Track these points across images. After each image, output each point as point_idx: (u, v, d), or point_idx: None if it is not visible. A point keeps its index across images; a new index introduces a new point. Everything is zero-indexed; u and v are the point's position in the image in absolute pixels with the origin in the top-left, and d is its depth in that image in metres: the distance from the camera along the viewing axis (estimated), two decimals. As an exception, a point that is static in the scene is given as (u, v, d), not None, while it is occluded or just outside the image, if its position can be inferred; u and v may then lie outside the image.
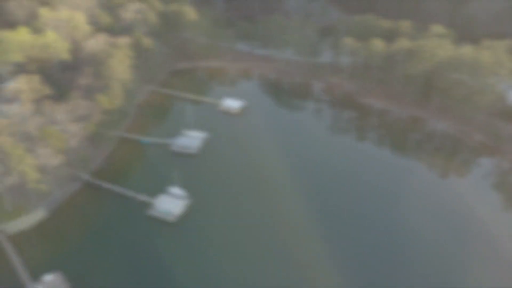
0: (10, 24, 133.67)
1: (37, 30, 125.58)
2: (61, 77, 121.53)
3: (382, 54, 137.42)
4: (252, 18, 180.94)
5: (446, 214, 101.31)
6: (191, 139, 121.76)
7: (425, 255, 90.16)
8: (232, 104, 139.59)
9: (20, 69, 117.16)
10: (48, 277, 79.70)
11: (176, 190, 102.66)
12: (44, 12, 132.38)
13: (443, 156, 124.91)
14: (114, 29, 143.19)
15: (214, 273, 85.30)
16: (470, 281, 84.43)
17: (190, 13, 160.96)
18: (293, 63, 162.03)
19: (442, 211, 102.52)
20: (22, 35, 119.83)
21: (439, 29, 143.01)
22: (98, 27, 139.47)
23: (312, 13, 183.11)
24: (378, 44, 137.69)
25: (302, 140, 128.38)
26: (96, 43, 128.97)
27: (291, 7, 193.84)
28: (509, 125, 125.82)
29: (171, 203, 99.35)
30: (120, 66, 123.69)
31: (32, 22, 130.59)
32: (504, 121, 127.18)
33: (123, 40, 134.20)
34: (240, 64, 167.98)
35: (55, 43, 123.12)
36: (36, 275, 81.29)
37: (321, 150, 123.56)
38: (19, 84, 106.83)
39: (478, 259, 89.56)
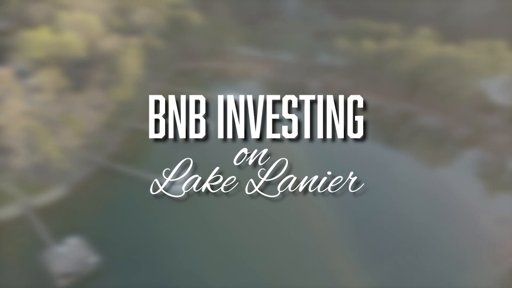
0: (31, 25, 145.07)
1: (55, 30, 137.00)
2: (78, 71, 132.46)
3: (372, 53, 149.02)
4: (253, 23, 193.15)
5: (432, 201, 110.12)
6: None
7: (409, 236, 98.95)
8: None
9: (41, 64, 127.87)
10: (71, 240, 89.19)
11: (184, 171, 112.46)
12: (62, 15, 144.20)
13: (430, 147, 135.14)
14: (125, 31, 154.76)
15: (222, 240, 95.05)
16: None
17: (195, 17, 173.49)
18: (292, 64, 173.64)
19: (428, 198, 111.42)
20: (43, 34, 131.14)
21: (426, 31, 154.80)
22: (111, 29, 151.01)
23: (309, 18, 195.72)
24: (369, 44, 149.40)
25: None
26: (109, 42, 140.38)
27: (289, 12, 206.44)
28: (489, 117, 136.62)
29: (179, 183, 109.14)
30: (131, 63, 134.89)
31: (50, 24, 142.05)
32: (485, 114, 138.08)
33: (134, 41, 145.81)
34: (242, 65, 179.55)
35: (72, 42, 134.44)
36: (58, 240, 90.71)
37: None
38: (41, 76, 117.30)
39: (460, 240, 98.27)
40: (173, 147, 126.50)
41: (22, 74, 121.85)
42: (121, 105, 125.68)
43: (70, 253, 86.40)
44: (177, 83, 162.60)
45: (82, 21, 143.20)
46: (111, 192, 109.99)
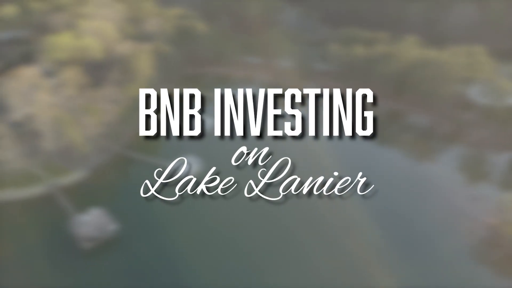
0: (52, 32, 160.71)
1: (76, 35, 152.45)
2: (96, 71, 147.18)
3: (363, 57, 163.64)
4: (254, 32, 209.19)
5: (417, 187, 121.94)
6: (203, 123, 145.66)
7: (394, 222, 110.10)
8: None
9: (64, 65, 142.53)
10: (93, 210, 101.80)
11: (191, 157, 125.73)
12: (82, 22, 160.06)
13: (417, 142, 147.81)
14: (138, 38, 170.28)
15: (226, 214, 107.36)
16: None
17: (201, 27, 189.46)
18: (289, 70, 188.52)
19: (414, 184, 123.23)
20: (65, 39, 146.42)
21: (412, 38, 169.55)
22: (125, 35, 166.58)
23: (305, 28, 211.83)
24: (359, 50, 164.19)
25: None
26: (123, 47, 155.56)
27: (287, 23, 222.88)
28: (468, 114, 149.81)
29: (187, 165, 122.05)
30: (143, 65, 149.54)
31: (70, 30, 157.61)
32: (465, 112, 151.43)
33: (145, 46, 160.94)
34: (243, 71, 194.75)
35: (91, 46, 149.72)
36: (81, 212, 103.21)
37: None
38: (64, 74, 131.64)
39: (440, 217, 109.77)
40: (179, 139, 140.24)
41: (48, 73, 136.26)
42: (135, 101, 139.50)
43: (92, 221, 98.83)
44: (183, 85, 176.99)
45: (99, 28, 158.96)
46: (126, 174, 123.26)
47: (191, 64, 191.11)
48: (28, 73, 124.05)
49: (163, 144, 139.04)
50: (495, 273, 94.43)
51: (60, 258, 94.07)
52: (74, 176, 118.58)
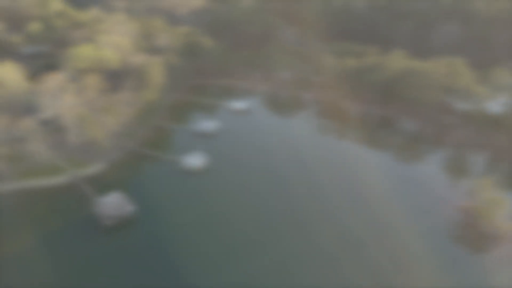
0: (75, 44, 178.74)
1: (96, 48, 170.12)
2: (114, 78, 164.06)
3: (354, 68, 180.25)
4: (255, 47, 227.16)
5: (405, 182, 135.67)
6: (208, 126, 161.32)
7: (384, 204, 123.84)
8: (238, 105, 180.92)
9: (86, 72, 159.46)
10: (113, 193, 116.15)
11: (197, 154, 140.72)
12: (101, 37, 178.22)
13: (405, 145, 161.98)
14: (150, 51, 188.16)
15: (225, 201, 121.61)
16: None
17: (206, 42, 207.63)
18: (288, 80, 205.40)
19: (403, 180, 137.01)
20: (87, 50, 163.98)
21: (399, 51, 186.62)
22: (138, 48, 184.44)
23: (302, 43, 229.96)
24: (351, 61, 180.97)
25: (293, 132, 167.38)
26: (137, 58, 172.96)
27: (286, 39, 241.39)
28: (450, 118, 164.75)
29: (194, 161, 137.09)
30: (155, 74, 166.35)
31: (89, 43, 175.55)
32: (447, 116, 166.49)
33: (156, 58, 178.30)
34: (245, 82, 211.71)
35: (109, 57, 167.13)
36: (102, 195, 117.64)
37: (307, 140, 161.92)
38: (86, 80, 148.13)
39: (425, 202, 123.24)
40: (184, 138, 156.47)
41: (72, 79, 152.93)
42: (148, 104, 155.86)
43: (113, 202, 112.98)
44: (191, 94, 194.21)
45: (116, 42, 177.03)
46: (139, 167, 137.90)
47: (197, 76, 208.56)
48: (56, 78, 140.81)
49: (169, 143, 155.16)
50: (467, 246, 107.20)
51: (86, 232, 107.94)
52: (94, 169, 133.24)
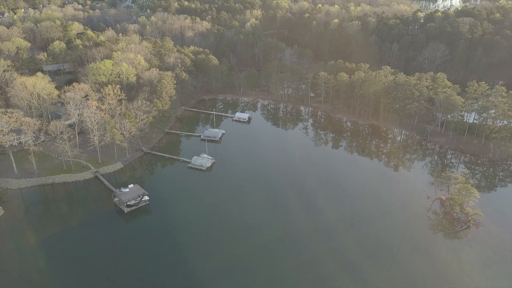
0: (95, 61, 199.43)
1: (114, 63, 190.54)
2: (130, 90, 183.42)
3: (346, 82, 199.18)
4: (256, 66, 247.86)
5: (393, 188, 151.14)
6: (214, 133, 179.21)
7: (373, 197, 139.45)
8: (240, 116, 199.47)
9: (106, 84, 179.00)
10: (131, 185, 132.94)
11: (204, 155, 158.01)
12: (117, 54, 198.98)
13: (392, 149, 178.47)
14: (162, 67, 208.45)
15: (226, 193, 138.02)
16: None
17: (213, 61, 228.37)
18: (286, 95, 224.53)
19: (389, 180, 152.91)
20: (107, 65, 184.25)
21: (386, 68, 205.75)
22: (152, 65, 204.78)
23: (299, 62, 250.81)
24: (343, 76, 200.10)
25: (290, 139, 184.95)
26: (150, 73, 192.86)
27: (285, 59, 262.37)
28: (432, 126, 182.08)
29: (202, 161, 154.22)
30: (167, 86, 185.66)
31: (107, 60, 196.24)
32: (429, 125, 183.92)
33: (168, 73, 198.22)
34: (248, 97, 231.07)
35: (126, 71, 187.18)
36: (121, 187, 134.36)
37: (300, 145, 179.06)
38: (107, 90, 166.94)
39: (406, 196, 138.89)
40: (192, 143, 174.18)
41: (94, 89, 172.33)
42: (161, 113, 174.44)
43: (131, 192, 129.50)
44: (198, 107, 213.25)
45: (132, 59, 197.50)
46: (153, 166, 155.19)
47: (205, 91, 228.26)
48: (81, 88, 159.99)
49: (181, 146, 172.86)
50: (441, 229, 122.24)
51: (108, 217, 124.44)
52: (113, 167, 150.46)
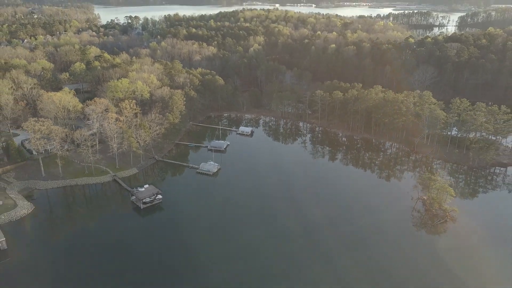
0: (111, 80, 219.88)
1: (130, 82, 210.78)
2: (144, 105, 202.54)
3: (340, 99, 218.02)
4: (259, 86, 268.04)
5: (381, 192, 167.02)
6: (219, 143, 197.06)
7: (360, 197, 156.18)
8: (244, 129, 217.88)
9: (122, 100, 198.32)
10: (146, 185, 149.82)
11: (211, 162, 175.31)
12: (132, 74, 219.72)
13: (383, 160, 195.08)
14: (172, 86, 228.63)
15: (230, 195, 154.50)
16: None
17: (219, 81, 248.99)
18: (286, 112, 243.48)
19: (378, 185, 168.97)
20: (124, 83, 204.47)
21: (378, 87, 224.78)
22: (163, 84, 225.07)
23: (298, 83, 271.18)
24: (337, 94, 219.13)
25: (289, 150, 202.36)
26: (162, 91, 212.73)
27: (286, 80, 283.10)
28: (419, 139, 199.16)
29: (209, 167, 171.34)
30: (178, 101, 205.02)
31: (123, 79, 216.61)
32: (416, 137, 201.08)
33: (178, 91, 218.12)
34: (251, 114, 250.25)
35: (140, 88, 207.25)
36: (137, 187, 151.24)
37: (298, 156, 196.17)
38: (124, 104, 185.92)
39: (393, 196, 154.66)
40: (200, 152, 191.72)
41: (113, 104, 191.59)
42: (172, 125, 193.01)
43: (146, 191, 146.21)
44: (206, 122, 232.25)
45: (145, 78, 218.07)
46: (165, 171, 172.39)
47: (211, 108, 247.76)
48: (102, 102, 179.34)
49: (190, 155, 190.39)
50: (422, 225, 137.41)
51: (126, 213, 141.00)
52: (130, 172, 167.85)
